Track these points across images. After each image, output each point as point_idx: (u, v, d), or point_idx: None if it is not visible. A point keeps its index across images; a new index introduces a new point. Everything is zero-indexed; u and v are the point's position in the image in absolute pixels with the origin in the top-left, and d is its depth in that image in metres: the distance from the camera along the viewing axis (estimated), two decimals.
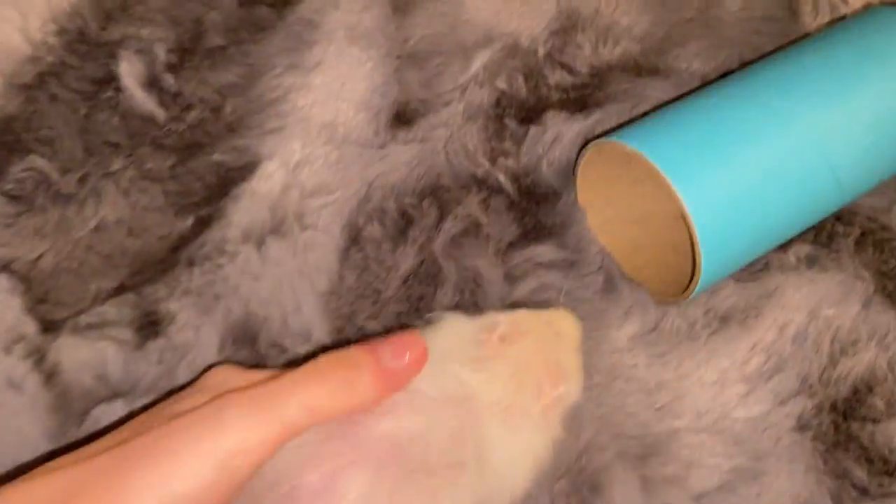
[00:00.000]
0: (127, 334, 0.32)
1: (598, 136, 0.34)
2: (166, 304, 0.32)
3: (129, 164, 0.35)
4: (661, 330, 0.33)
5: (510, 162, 0.37)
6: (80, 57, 0.37)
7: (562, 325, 0.27)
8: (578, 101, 0.38)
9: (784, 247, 0.35)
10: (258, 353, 0.32)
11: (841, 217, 0.36)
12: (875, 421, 0.32)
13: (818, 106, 0.32)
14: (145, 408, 0.26)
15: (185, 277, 0.33)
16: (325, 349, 0.27)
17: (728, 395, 0.32)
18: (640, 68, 0.39)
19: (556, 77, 0.39)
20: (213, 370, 0.25)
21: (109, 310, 0.32)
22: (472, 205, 0.35)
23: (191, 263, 0.33)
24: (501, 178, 0.36)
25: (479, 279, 0.34)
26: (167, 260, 0.33)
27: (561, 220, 0.36)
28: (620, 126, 0.35)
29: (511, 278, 0.34)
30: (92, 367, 0.31)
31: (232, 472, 0.21)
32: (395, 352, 0.24)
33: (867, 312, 0.34)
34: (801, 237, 0.35)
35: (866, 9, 0.38)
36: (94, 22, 0.38)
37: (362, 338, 0.31)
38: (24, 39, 0.37)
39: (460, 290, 0.34)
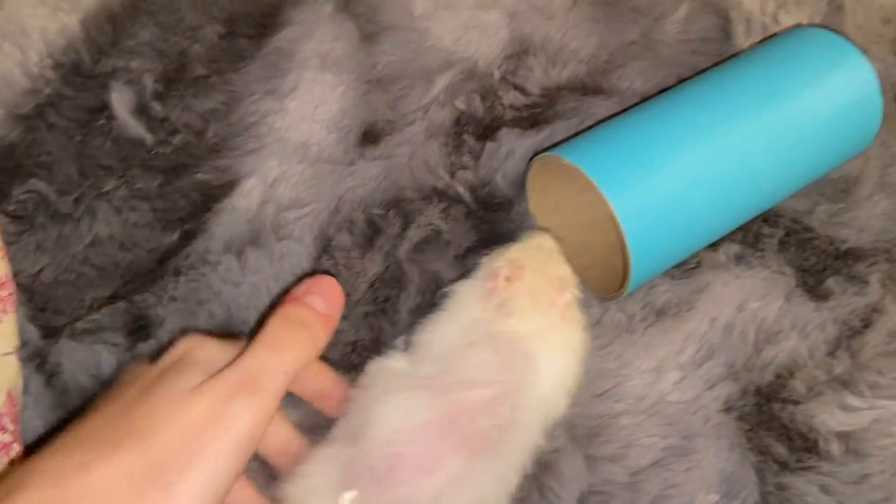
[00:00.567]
0: (119, 338, 0.35)
1: (546, 150, 0.38)
2: (155, 309, 0.36)
3: (120, 184, 0.39)
4: (604, 324, 0.37)
5: (468, 175, 0.40)
6: (75, 88, 0.41)
7: (544, 243, 0.33)
8: (530, 118, 0.42)
9: (715, 246, 0.38)
10: None
11: (767, 219, 0.39)
12: (795, 402, 0.35)
13: (739, 119, 0.35)
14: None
15: (171, 286, 0.36)
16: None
17: (663, 381, 0.35)
18: (586, 88, 0.43)
19: (510, 97, 0.42)
20: (189, 340, 0.28)
21: (103, 316, 0.36)
22: (433, 214, 0.39)
23: (177, 273, 0.37)
24: (460, 189, 0.40)
25: (440, 282, 0.37)
26: (156, 270, 0.37)
27: (514, 227, 0.39)
28: (566, 140, 0.39)
29: None
30: (88, 368, 0.35)
31: (249, 452, 0.25)
32: (325, 298, 0.28)
33: (789, 305, 0.37)
34: (730, 237, 0.39)
35: (790, 29, 0.42)
36: (87, 56, 0.42)
37: None
38: (23, 73, 0.41)
39: (422, 292, 0.37)
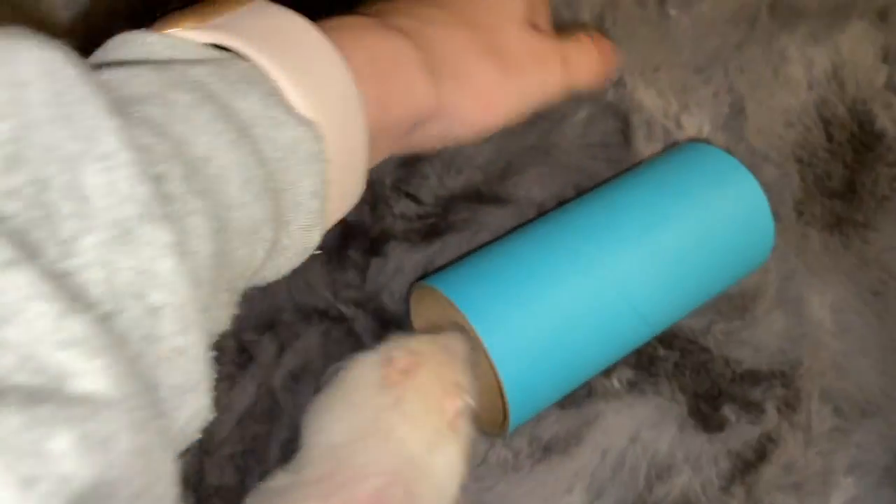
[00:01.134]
0: None
1: (430, 274, 0.36)
2: None
3: None
4: (489, 462, 0.34)
5: (352, 293, 0.38)
6: None
7: (452, 344, 0.31)
8: (421, 230, 0.40)
9: (608, 372, 0.37)
10: None
11: (663, 339, 0.38)
12: None
13: (623, 248, 0.34)
14: None
15: None
16: None
17: None
18: (481, 196, 0.42)
19: (400, 206, 0.41)
20: None
21: None
22: (311, 337, 0.36)
23: None
24: (344, 309, 0.38)
25: None
26: None
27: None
28: (459, 258, 0.37)
29: None
30: None
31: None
32: (603, 55, 0.35)
33: (682, 436, 0.36)
34: (624, 361, 0.37)
35: (679, 145, 0.41)
36: None
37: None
38: None
39: (297, 426, 0.35)
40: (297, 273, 0.38)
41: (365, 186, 0.26)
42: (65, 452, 0.13)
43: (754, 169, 0.44)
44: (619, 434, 0.35)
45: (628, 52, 0.48)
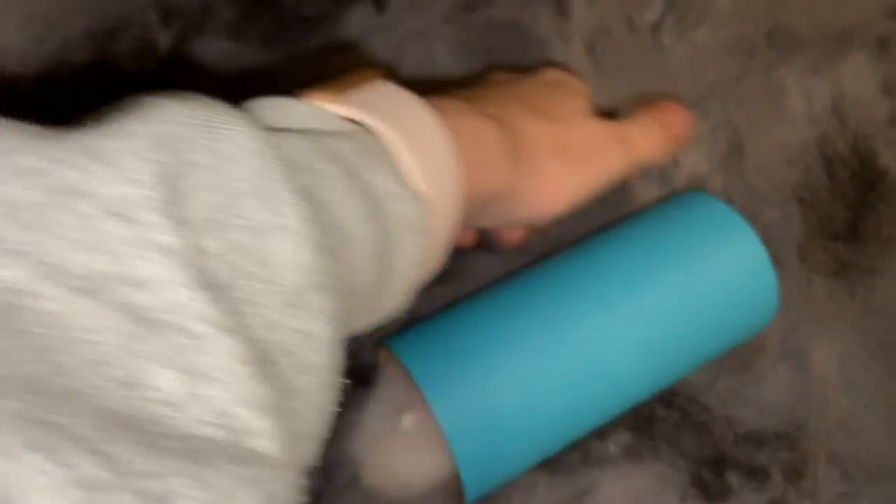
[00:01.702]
0: None
1: (391, 336, 0.33)
2: None
3: None
4: None
5: None
6: None
7: None
8: None
9: (603, 434, 0.34)
10: None
11: (662, 398, 0.36)
12: None
13: (600, 314, 0.31)
14: None
15: None
16: None
17: None
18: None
19: None
20: (558, 72, 0.36)
21: None
22: None
23: None
24: None
25: None
26: None
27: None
28: (432, 314, 0.35)
29: None
30: None
31: (602, 184, 0.32)
32: (682, 123, 0.36)
33: None
34: (621, 422, 0.35)
35: (676, 195, 0.39)
36: None
37: None
38: None
39: None
40: None
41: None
42: None
43: (755, 211, 0.42)
44: None
45: (621, 81, 0.46)
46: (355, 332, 0.23)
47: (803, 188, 0.43)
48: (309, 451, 0.19)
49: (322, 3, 0.46)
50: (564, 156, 0.30)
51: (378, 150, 0.23)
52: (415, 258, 0.23)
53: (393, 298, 0.24)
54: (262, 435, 0.16)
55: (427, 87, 0.30)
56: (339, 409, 0.33)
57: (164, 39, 0.43)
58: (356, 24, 0.45)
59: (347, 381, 0.22)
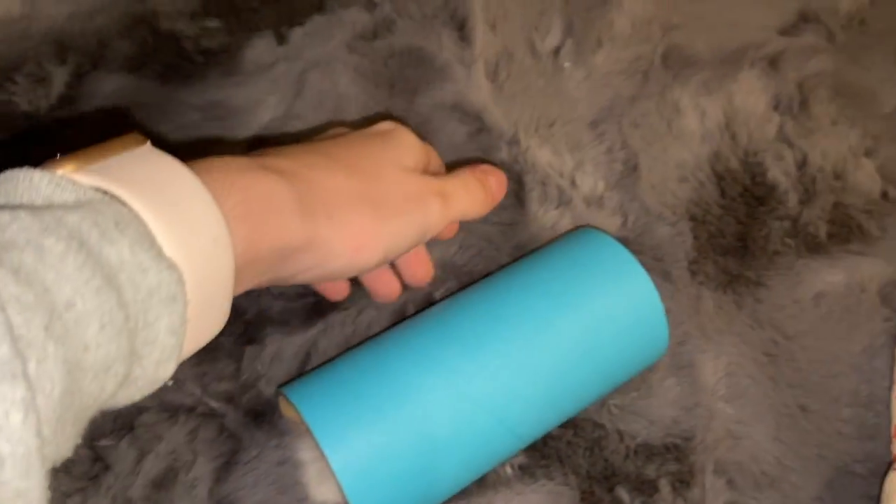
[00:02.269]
0: None
1: (292, 381, 0.34)
2: None
3: None
4: None
5: (224, 385, 0.35)
6: None
7: None
8: (301, 311, 0.38)
9: None
10: None
11: None
12: None
13: (495, 363, 0.32)
14: None
15: None
16: None
17: None
18: None
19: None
20: (391, 123, 0.36)
21: None
22: (176, 438, 0.34)
23: None
24: (214, 404, 0.35)
25: None
26: None
27: (277, 442, 0.34)
28: (331, 358, 0.35)
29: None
30: None
31: (422, 239, 0.33)
32: (498, 185, 0.37)
33: None
34: None
35: (569, 234, 0.39)
36: None
37: None
38: None
39: None
40: None
41: (228, 316, 0.27)
42: None
43: (648, 229, 0.44)
44: None
45: (523, 106, 0.47)
46: (117, 405, 0.24)
47: (696, 205, 0.45)
48: None
49: (223, 34, 0.46)
50: (372, 207, 0.30)
51: (126, 219, 0.22)
52: (170, 327, 0.23)
53: (158, 368, 0.23)
54: None
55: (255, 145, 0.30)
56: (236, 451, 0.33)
57: (59, 76, 0.43)
58: (258, 55, 0.46)
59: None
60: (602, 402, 0.37)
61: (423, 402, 0.31)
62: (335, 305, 0.38)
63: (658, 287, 0.35)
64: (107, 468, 0.32)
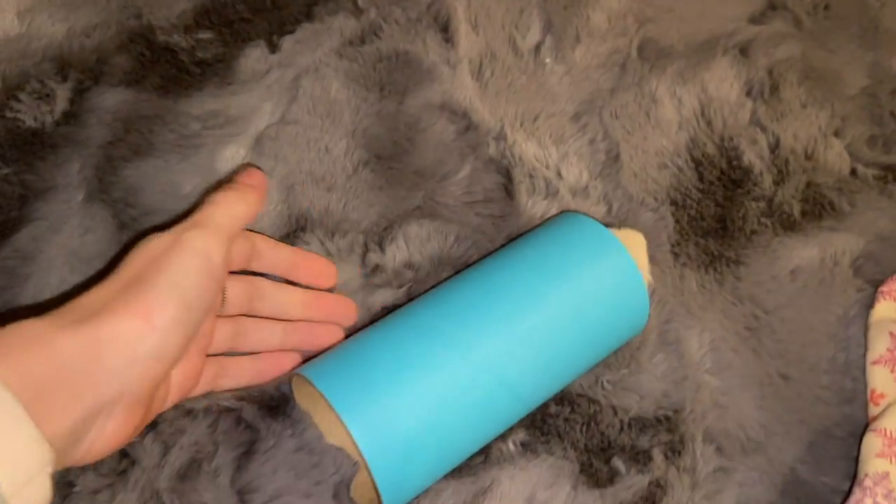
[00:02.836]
0: None
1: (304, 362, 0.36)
2: None
3: None
4: None
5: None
6: None
7: None
8: None
9: (504, 435, 0.37)
10: None
11: (554, 396, 0.39)
12: None
13: (494, 331, 0.34)
14: None
15: None
16: None
17: None
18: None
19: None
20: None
21: None
22: (198, 432, 0.35)
23: None
24: (226, 403, 0.37)
25: None
26: None
27: (293, 431, 0.36)
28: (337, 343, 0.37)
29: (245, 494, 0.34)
30: None
31: (210, 272, 0.31)
32: (253, 177, 0.36)
33: (576, 493, 0.36)
34: (519, 422, 0.38)
35: (554, 218, 0.42)
36: None
37: None
38: None
39: None
40: None
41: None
42: None
43: (632, 215, 0.46)
44: (515, 499, 0.36)
45: (508, 102, 0.49)
46: None
47: (676, 190, 0.47)
48: None
49: (217, 45, 0.47)
50: (134, 287, 0.29)
51: None
52: None
53: None
54: None
55: None
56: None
57: (62, 92, 0.44)
58: (252, 63, 0.47)
59: None
60: (595, 379, 0.39)
61: (430, 367, 0.33)
62: None
63: None
64: (133, 463, 0.34)
